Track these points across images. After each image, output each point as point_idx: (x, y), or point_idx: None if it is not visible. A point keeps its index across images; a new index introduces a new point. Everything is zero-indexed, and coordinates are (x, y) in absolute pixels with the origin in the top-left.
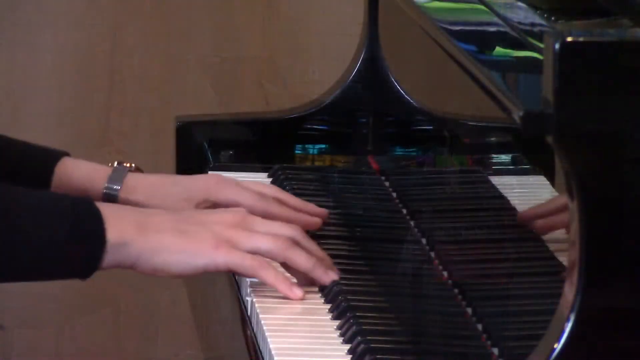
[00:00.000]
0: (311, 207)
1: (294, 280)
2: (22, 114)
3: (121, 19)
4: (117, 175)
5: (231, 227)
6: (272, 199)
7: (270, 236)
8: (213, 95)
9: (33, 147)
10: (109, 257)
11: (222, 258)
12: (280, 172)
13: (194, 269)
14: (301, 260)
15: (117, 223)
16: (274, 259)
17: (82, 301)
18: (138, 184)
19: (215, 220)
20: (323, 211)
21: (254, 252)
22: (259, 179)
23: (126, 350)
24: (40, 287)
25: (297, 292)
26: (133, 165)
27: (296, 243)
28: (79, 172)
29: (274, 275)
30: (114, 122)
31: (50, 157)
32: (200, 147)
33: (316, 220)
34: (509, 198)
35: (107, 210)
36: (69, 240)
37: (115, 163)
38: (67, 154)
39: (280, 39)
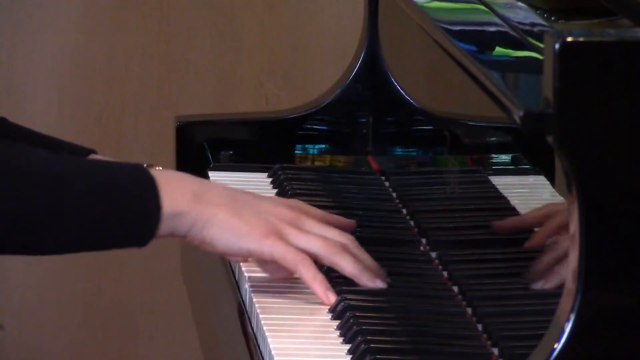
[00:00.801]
0: (337, 219)
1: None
2: (22, 114)
3: (121, 18)
4: None
5: (285, 221)
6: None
7: (321, 238)
8: (213, 95)
9: (61, 143)
10: (164, 226)
11: (269, 247)
12: (280, 172)
13: (239, 250)
14: (347, 265)
15: (172, 192)
16: (320, 261)
17: (82, 301)
18: None
19: (271, 211)
20: (350, 223)
21: (302, 250)
22: (259, 179)
23: (126, 350)
24: (40, 287)
25: (332, 297)
26: (160, 168)
27: (346, 250)
28: None
29: (313, 275)
30: (114, 122)
31: (77, 154)
32: (200, 147)
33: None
34: (508, 198)
35: (162, 178)
36: (125, 210)
37: (145, 165)
38: (94, 152)
39: (280, 38)
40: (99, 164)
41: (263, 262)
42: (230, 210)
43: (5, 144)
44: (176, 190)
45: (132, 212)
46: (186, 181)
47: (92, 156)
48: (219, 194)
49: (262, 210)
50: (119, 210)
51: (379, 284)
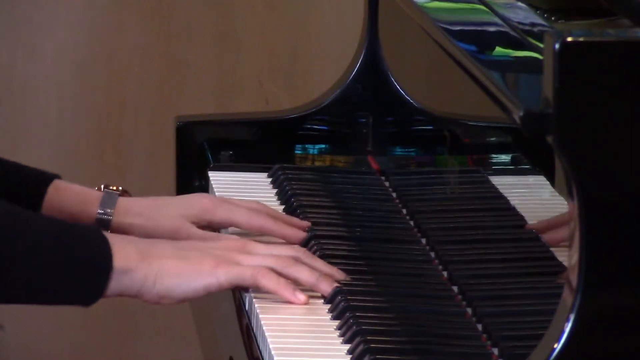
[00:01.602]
0: (295, 220)
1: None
2: (22, 114)
3: (121, 18)
4: (109, 200)
5: (233, 250)
6: (266, 215)
7: (271, 256)
8: (213, 96)
9: (24, 168)
10: (114, 285)
11: (223, 275)
12: (280, 172)
13: (195, 290)
14: (303, 275)
15: (122, 251)
16: None
17: None
18: (131, 207)
19: (216, 246)
20: (305, 224)
21: None
22: (259, 179)
23: (126, 350)
24: None
25: (301, 296)
26: (120, 188)
27: (299, 261)
28: (70, 195)
29: (275, 282)
30: (114, 122)
31: (41, 180)
32: (200, 147)
33: (303, 235)
34: (508, 198)
35: (113, 238)
36: (76, 266)
37: (102, 187)
38: (58, 177)
39: (280, 39)
40: (52, 221)
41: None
42: (176, 258)
43: None
44: (124, 250)
45: (81, 268)
46: (131, 242)
47: (56, 181)
48: (164, 247)
49: (207, 247)
50: (68, 266)
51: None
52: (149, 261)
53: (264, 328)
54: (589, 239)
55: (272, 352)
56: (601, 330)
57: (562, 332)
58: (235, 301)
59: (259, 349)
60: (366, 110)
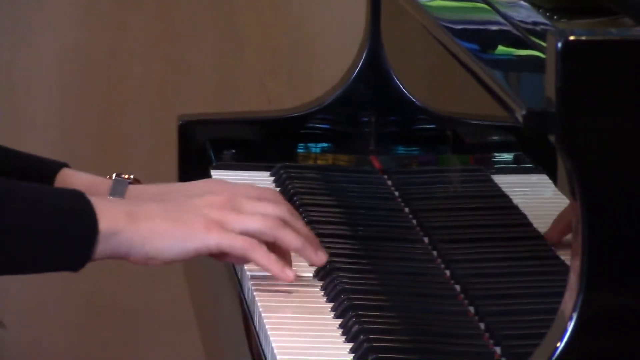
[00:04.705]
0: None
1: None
2: (23, 114)
3: (122, 18)
4: (119, 188)
5: (219, 208)
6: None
7: (259, 216)
8: (215, 95)
9: (32, 157)
10: (101, 248)
11: (214, 239)
12: (282, 171)
13: (185, 252)
14: (291, 239)
15: (108, 213)
16: (263, 238)
17: (82, 301)
18: (140, 194)
19: (203, 204)
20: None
21: (244, 233)
22: (262, 178)
23: (127, 350)
24: (40, 286)
25: (289, 273)
26: (132, 176)
27: (285, 222)
28: (79, 183)
29: (265, 256)
30: (116, 121)
31: (49, 168)
32: (202, 147)
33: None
34: (511, 197)
35: (98, 201)
36: (61, 231)
37: (114, 175)
38: (66, 165)
39: (282, 38)
40: (36, 187)
41: (219, 255)
42: (165, 219)
43: None
44: (111, 212)
45: (68, 232)
46: (119, 203)
47: (64, 170)
48: (151, 208)
49: (194, 206)
50: (54, 231)
51: (322, 256)
52: (138, 222)
53: (267, 327)
54: (591, 237)
55: (275, 351)
56: (604, 329)
57: (565, 331)
58: (238, 300)
59: (261, 348)
60: (368, 109)
